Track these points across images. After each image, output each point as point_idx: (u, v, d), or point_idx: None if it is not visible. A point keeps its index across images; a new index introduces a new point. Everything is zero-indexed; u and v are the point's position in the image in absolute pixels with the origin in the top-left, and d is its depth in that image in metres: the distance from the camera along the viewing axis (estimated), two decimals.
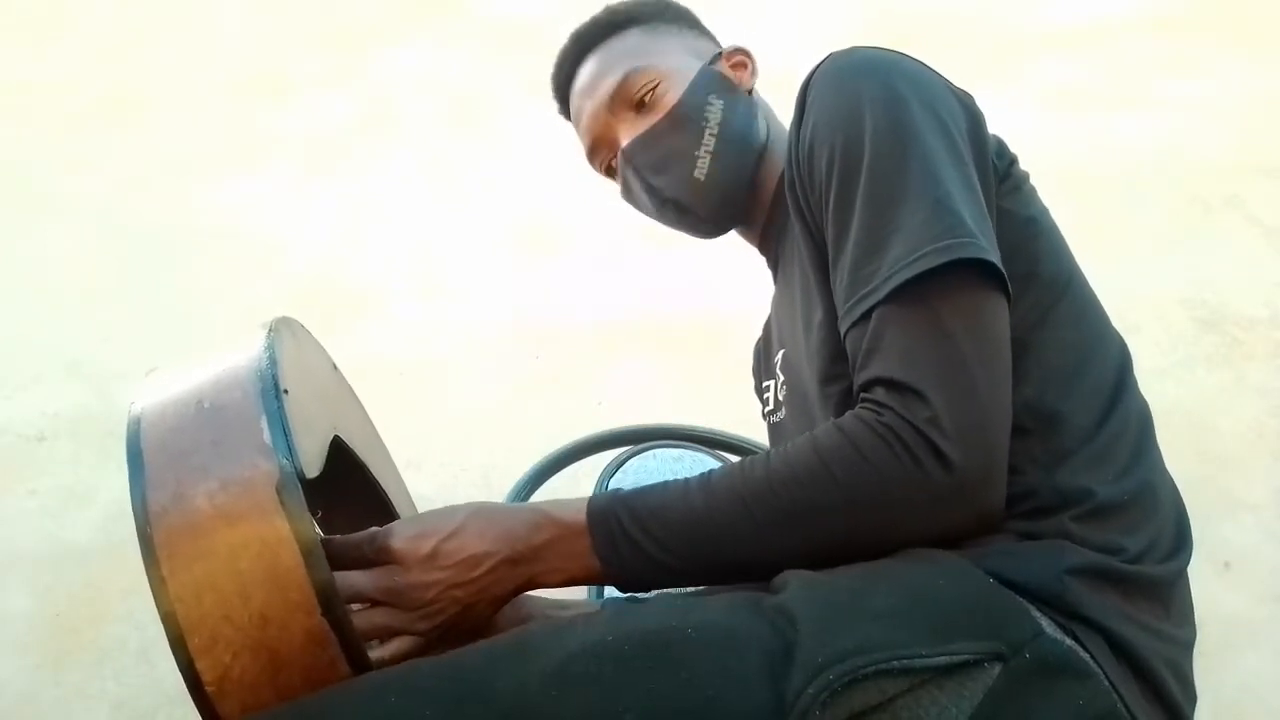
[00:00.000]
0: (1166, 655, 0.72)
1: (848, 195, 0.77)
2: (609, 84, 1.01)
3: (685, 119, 0.98)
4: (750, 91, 1.04)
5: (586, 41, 1.06)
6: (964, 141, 0.80)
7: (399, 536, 0.75)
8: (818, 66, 0.85)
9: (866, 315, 0.74)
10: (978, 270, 0.73)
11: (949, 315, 0.72)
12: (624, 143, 1.01)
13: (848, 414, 0.74)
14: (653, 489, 0.77)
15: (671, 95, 0.99)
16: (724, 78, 1.02)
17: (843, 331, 0.78)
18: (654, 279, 2.23)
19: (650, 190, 1.01)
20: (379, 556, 0.75)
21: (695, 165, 0.98)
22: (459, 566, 0.74)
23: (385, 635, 0.75)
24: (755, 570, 0.73)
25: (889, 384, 0.72)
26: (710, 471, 0.77)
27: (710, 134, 0.98)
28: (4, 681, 1.63)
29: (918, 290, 0.72)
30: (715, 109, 0.99)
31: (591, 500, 0.78)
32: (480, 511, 0.77)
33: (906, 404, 0.70)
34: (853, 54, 0.84)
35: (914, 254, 0.72)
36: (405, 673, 0.67)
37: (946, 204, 0.74)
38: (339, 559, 0.74)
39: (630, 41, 1.03)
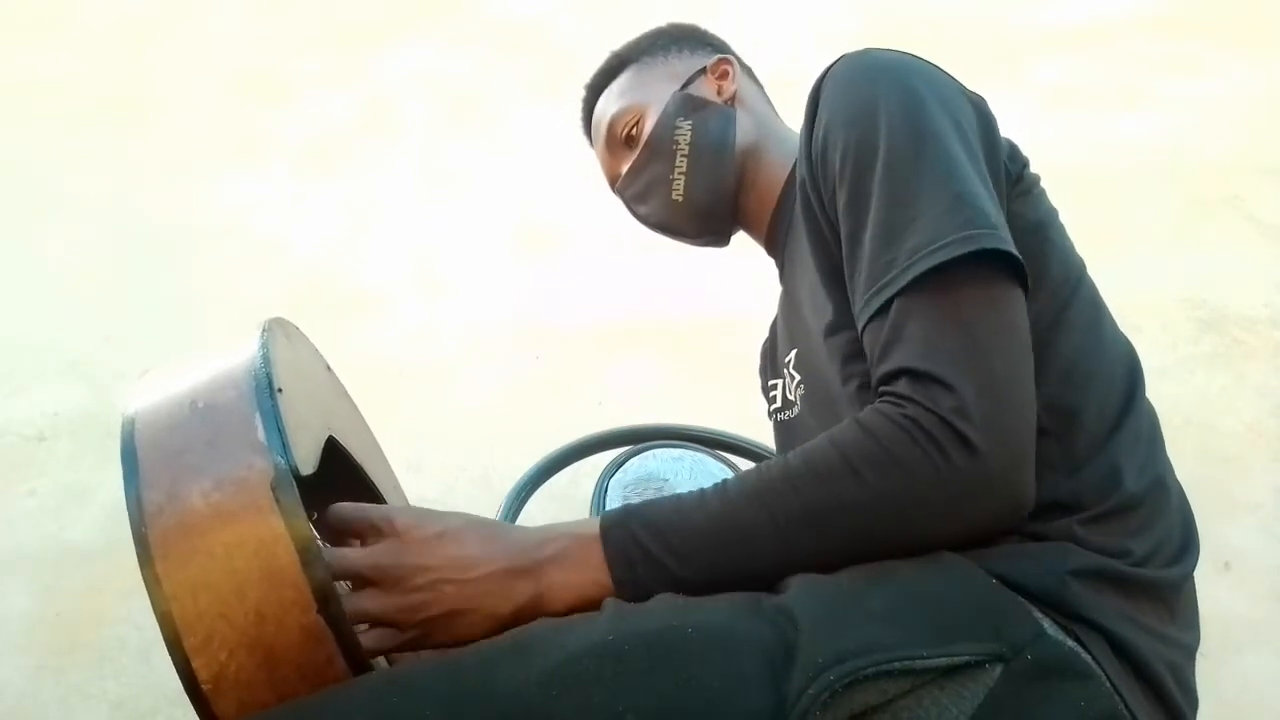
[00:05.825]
0: (1169, 659, 0.71)
1: (863, 189, 0.77)
2: (604, 127, 1.11)
3: (658, 148, 1.05)
4: (732, 99, 1.07)
5: (593, 89, 1.15)
6: (977, 143, 0.79)
7: (405, 514, 0.74)
8: (830, 67, 0.84)
9: (885, 306, 0.73)
10: (998, 262, 0.73)
11: (970, 305, 0.71)
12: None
13: (867, 408, 0.72)
14: (666, 500, 0.75)
15: (649, 127, 1.06)
16: (693, 98, 1.06)
17: (861, 325, 0.76)
18: (654, 279, 2.23)
19: (640, 219, 1.12)
20: (383, 525, 0.73)
21: (672, 189, 1.05)
22: (455, 563, 0.72)
23: (365, 620, 0.72)
24: (773, 580, 0.70)
25: (911, 374, 0.70)
26: (724, 480, 0.75)
27: (682, 155, 1.04)
28: (4, 681, 1.63)
29: (939, 280, 0.71)
30: (684, 130, 1.04)
31: (605, 516, 0.75)
32: (486, 523, 0.76)
33: (930, 394, 0.69)
34: (865, 55, 0.84)
35: (935, 243, 0.71)
36: (405, 672, 0.67)
37: (967, 198, 0.73)
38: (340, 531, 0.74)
39: (622, 82, 1.11)
